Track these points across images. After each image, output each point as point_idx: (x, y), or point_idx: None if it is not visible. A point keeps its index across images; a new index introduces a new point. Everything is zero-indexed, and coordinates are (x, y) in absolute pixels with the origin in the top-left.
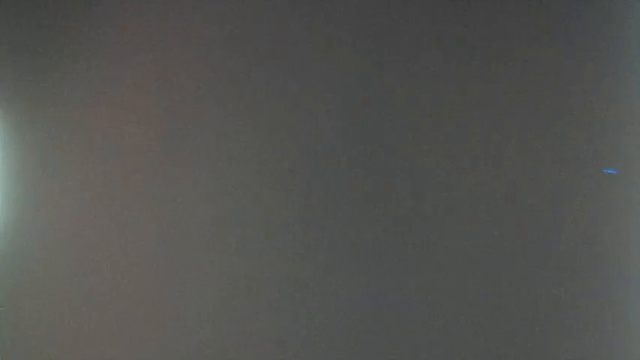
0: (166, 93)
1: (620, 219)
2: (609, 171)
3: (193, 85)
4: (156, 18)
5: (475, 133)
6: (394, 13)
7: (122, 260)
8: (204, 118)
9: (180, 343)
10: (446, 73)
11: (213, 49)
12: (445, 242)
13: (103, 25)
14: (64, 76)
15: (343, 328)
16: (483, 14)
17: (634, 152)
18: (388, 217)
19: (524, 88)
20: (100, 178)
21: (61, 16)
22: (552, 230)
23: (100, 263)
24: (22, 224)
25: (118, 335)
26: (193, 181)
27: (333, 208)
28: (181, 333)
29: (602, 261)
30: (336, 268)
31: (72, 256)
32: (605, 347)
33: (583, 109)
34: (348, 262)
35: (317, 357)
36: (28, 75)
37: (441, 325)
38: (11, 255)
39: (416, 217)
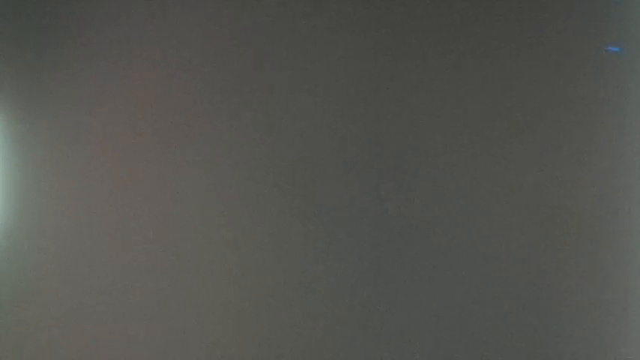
0: (167, 93)
1: (620, 219)
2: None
3: (195, 85)
4: (157, 18)
5: (475, 133)
6: (394, 11)
7: (123, 260)
8: (205, 118)
9: (182, 344)
10: (445, 73)
11: (215, 49)
12: (447, 241)
13: (103, 25)
14: (64, 76)
15: (345, 328)
16: (482, 13)
17: (634, 152)
18: (390, 216)
19: (524, 87)
20: (100, 177)
21: (60, 16)
22: (552, 230)
23: (100, 263)
24: (22, 224)
25: (118, 335)
26: (195, 181)
27: (335, 207)
28: (183, 334)
29: (602, 261)
30: (338, 268)
31: (72, 256)
32: (605, 347)
33: (583, 109)
34: (351, 261)
35: (318, 357)
36: (28, 75)
37: (443, 325)
38: (11, 255)
39: (418, 217)
